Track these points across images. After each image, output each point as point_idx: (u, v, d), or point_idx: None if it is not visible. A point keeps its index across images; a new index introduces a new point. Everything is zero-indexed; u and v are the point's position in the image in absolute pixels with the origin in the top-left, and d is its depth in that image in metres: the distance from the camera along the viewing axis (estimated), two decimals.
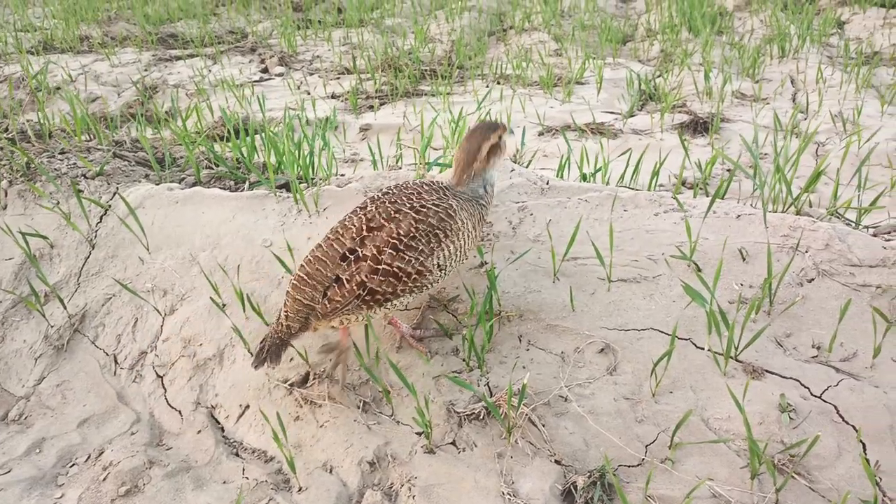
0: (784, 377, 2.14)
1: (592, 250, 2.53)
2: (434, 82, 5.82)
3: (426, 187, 2.21)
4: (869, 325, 2.23)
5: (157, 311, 2.72)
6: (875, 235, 2.60)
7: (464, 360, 2.30)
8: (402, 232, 2.07)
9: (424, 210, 2.12)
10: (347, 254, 2.08)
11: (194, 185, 3.11)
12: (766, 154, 4.18)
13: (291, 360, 2.42)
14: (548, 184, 2.77)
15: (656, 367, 2.12)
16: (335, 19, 8.26)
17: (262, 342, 2.17)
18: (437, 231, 2.11)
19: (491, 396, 2.18)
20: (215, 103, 5.56)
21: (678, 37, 6.84)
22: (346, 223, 2.16)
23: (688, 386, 2.16)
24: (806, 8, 8.20)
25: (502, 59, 6.54)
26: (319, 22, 8.08)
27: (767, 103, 5.11)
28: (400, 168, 3.05)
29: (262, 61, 6.78)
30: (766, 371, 2.16)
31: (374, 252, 2.06)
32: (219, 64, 6.74)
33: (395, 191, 2.21)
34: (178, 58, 7.00)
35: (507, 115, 4.87)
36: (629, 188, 2.94)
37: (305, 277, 2.12)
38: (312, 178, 3.08)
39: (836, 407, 2.05)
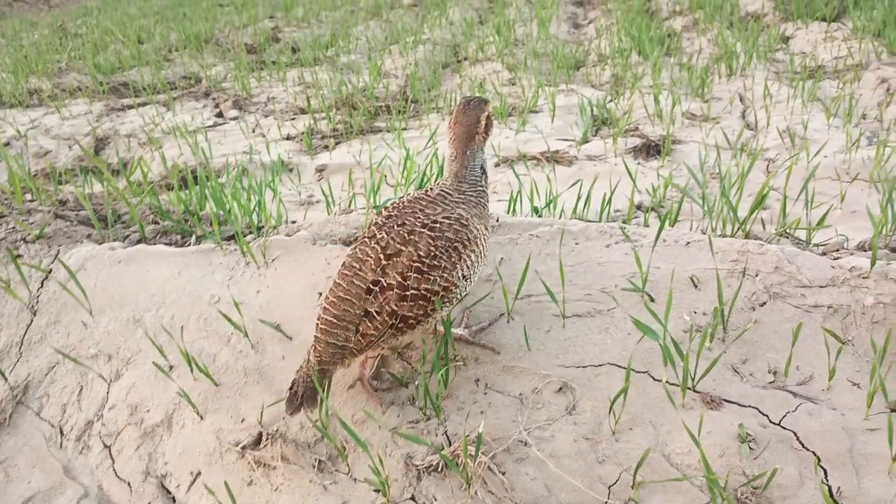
0: (742, 405, 2.12)
1: (546, 286, 2.50)
2: (389, 118, 5.82)
3: (428, 200, 2.19)
4: (824, 346, 2.22)
5: (102, 377, 2.62)
6: (824, 254, 2.62)
7: (421, 409, 2.24)
8: (422, 253, 2.04)
9: (438, 225, 2.09)
10: (371, 286, 2.05)
11: (139, 242, 3.03)
12: (717, 174, 4.22)
13: (243, 420, 2.34)
14: (498, 221, 2.75)
15: (614, 405, 2.08)
16: (290, 59, 8.26)
17: (292, 387, 2.12)
18: (456, 244, 2.09)
19: (450, 445, 2.12)
20: (169, 151, 5.49)
21: (628, 61, 6.96)
22: (361, 256, 2.12)
23: (647, 421, 2.12)
24: (751, 25, 8.42)
25: (457, 91, 6.57)
26: (274, 63, 8.07)
27: (718, 122, 5.19)
28: (351, 212, 3.00)
29: (217, 105, 6.73)
30: (724, 400, 2.14)
31: (399, 279, 2.03)
32: (172, 111, 6.67)
33: (398, 212, 2.18)
34: (130, 106, 6.91)
35: None
36: (582, 219, 2.93)
37: (334, 321, 2.08)
38: (261, 228, 3.02)
39: (795, 433, 2.03)
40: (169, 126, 6.08)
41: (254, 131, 5.86)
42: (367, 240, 2.16)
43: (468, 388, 2.30)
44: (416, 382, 2.24)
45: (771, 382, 2.20)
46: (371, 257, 2.09)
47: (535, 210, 3.04)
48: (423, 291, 2.04)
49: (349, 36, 9.44)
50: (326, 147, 5.31)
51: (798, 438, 2.01)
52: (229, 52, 8.94)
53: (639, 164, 4.57)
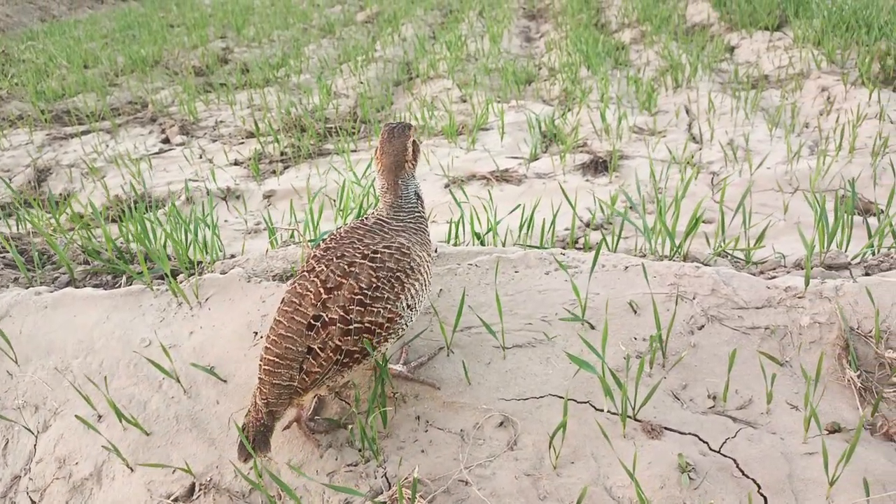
0: (682, 433, 2.10)
1: (486, 317, 2.46)
2: (338, 140, 5.75)
3: (366, 230, 2.13)
4: (762, 368, 2.22)
5: (29, 430, 2.49)
6: (762, 272, 2.63)
7: (359, 451, 2.17)
8: (363, 285, 1.98)
9: (379, 255, 2.03)
10: (313, 321, 1.98)
11: (69, 283, 2.91)
12: (662, 188, 4.25)
13: (174, 472, 2.24)
14: (437, 251, 2.70)
15: (554, 439, 2.04)
16: (240, 81, 8.14)
17: (244, 431, 2.00)
18: (399, 273, 2.03)
19: (389, 488, 2.06)
20: (113, 180, 5.34)
21: (577, 75, 7.01)
22: (300, 290, 2.04)
23: (589, 453, 2.09)
24: (697, 36, 8.58)
25: (412, 107, 6.55)
26: (223, 85, 7.95)
27: (664, 136, 5.25)
28: (290, 245, 2.93)
29: (163, 131, 6.59)
30: (665, 428, 2.12)
31: (342, 313, 1.96)
32: (117, 138, 6.51)
33: (336, 243, 2.11)
34: (74, 135, 6.73)
35: None
36: (523, 246, 2.90)
37: (277, 360, 2.00)
38: (196, 265, 2.93)
39: (735, 460, 2.01)
40: (113, 154, 5.92)
41: (200, 157, 5.74)
42: (306, 273, 2.09)
43: (409, 425, 2.24)
44: (351, 425, 2.17)
45: (711, 408, 2.19)
46: (311, 292, 2.02)
47: (477, 236, 3.00)
48: (366, 324, 1.98)
49: (301, 55, 9.37)
50: (274, 172, 5.22)
51: (738, 465, 2.00)
52: (177, 75, 8.79)
53: (587, 180, 4.58)
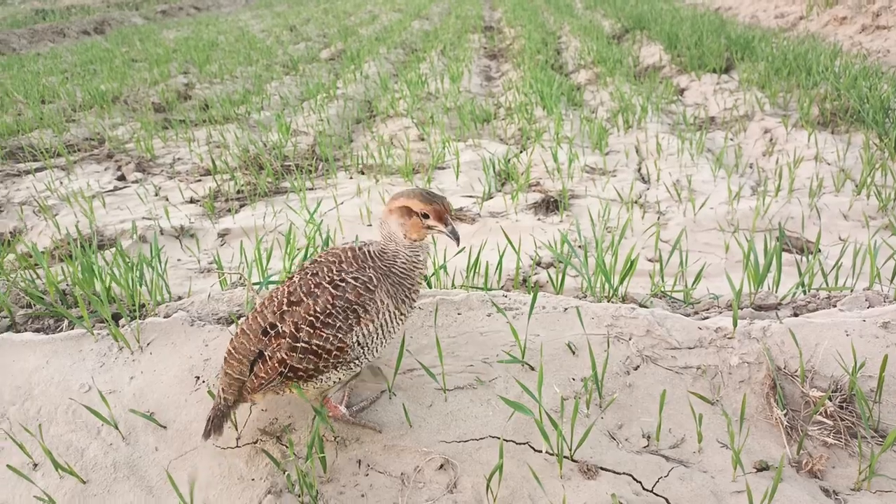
0: (617, 473, 2.14)
1: (429, 360, 2.49)
2: (295, 178, 5.78)
3: (349, 257, 2.13)
4: (695, 409, 2.29)
5: None
6: (697, 312, 2.72)
7: (298, 497, 2.17)
8: (318, 309, 2.01)
9: (343, 285, 2.05)
10: (269, 328, 2.05)
11: (9, 328, 2.86)
12: (613, 227, 4.36)
13: None
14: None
15: (490, 482, 2.07)
16: (199, 117, 8.14)
17: (210, 413, 2.14)
18: (356, 307, 2.03)
19: None
20: (66, 218, 5.27)
21: (532, 114, 7.18)
22: (272, 295, 2.12)
23: (526, 495, 2.12)
24: (650, 77, 8.87)
25: (369, 147, 6.62)
26: (182, 121, 7.94)
27: (614, 176, 5.39)
28: (237, 288, 2.93)
29: (119, 168, 6.54)
30: (601, 468, 2.16)
31: (293, 329, 2.01)
32: (72, 175, 6.43)
33: (320, 260, 2.16)
34: (28, 172, 6.63)
35: (367, 209, 4.88)
36: (466, 288, 2.96)
37: (233, 351, 2.11)
38: (139, 308, 2.91)
39: (667, 500, 2.06)
40: (66, 192, 5.85)
41: (156, 195, 5.71)
42: (287, 280, 2.17)
43: (350, 469, 2.25)
44: (287, 473, 2.17)
45: (645, 447, 2.24)
46: (276, 300, 2.09)
47: (424, 278, 3.04)
48: (314, 346, 2.02)
49: (263, 92, 9.42)
50: (230, 210, 5.22)
51: None
52: (136, 112, 8.75)
53: (539, 219, 4.68)
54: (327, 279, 2.07)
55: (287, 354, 2.02)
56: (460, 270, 3.59)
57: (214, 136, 7.33)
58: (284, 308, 2.06)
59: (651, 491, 2.09)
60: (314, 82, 9.71)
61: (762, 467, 2.16)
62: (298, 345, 2.01)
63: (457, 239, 2.07)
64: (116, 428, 2.39)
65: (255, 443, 2.30)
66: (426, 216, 2.03)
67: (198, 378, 2.50)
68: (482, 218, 4.73)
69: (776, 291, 2.88)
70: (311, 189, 5.59)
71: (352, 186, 5.52)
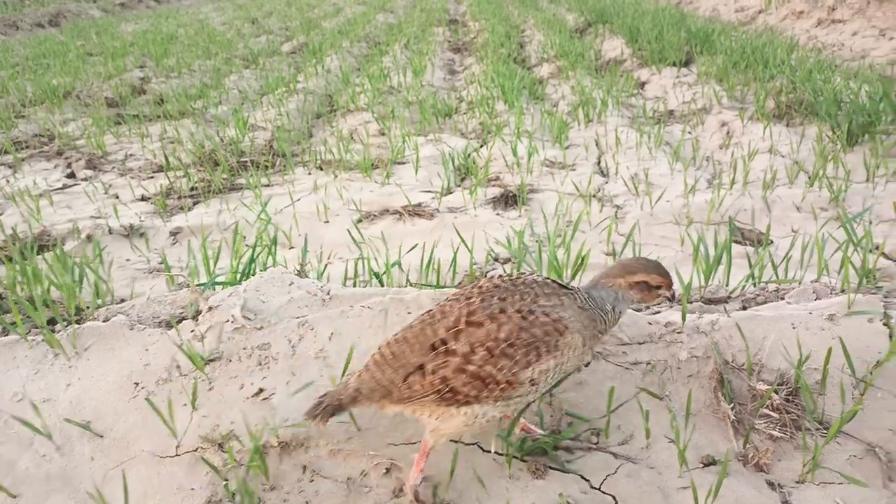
0: (566, 472, 2.12)
1: None
2: (251, 175, 5.66)
3: (546, 289, 2.00)
4: (644, 403, 2.27)
5: None
6: (648, 307, 2.71)
7: None
8: (501, 336, 1.87)
9: (533, 317, 1.91)
10: (439, 343, 1.90)
11: None
12: (570, 222, 4.35)
13: None
14: (329, 294, 2.68)
15: (438, 486, 2.03)
16: (154, 112, 7.95)
17: (321, 397, 1.99)
18: (540, 344, 1.90)
19: None
20: (11, 218, 5.09)
21: (493, 109, 7.15)
22: (446, 310, 1.97)
23: (475, 497, 2.09)
24: (611, 71, 8.91)
25: (328, 142, 6.52)
26: (135, 116, 7.74)
27: (574, 170, 5.39)
28: (181, 290, 2.84)
29: (69, 165, 6.34)
30: (549, 467, 2.14)
31: (467, 349, 1.87)
32: (19, 172, 6.22)
33: (508, 284, 2.00)
34: None
35: (324, 206, 4.80)
36: (422, 285, 2.91)
37: (390, 357, 1.95)
38: (78, 312, 2.80)
39: (614, 497, 2.04)
40: (12, 190, 5.65)
41: (106, 193, 5.54)
42: (461, 297, 2.02)
43: (294, 475, 2.19)
44: (226, 482, 2.10)
45: (595, 444, 2.22)
46: (453, 315, 1.94)
47: (376, 275, 2.99)
48: (484, 373, 1.87)
49: (221, 86, 9.23)
50: (182, 208, 5.09)
51: (616, 502, 2.03)
52: (89, 107, 8.50)
53: (498, 214, 4.65)
54: (516, 307, 1.93)
55: (453, 374, 1.87)
56: (415, 268, 3.54)
57: (169, 131, 7.15)
58: (461, 327, 1.91)
59: (598, 489, 2.07)
60: (274, 76, 9.55)
61: (709, 462, 2.15)
62: (469, 367, 1.87)
63: (675, 300, 2.24)
64: (50, 438, 2.29)
65: (196, 451, 2.23)
66: (660, 287, 2.11)
67: (137, 384, 2.41)
68: (441, 213, 4.69)
69: (727, 284, 2.89)
70: (268, 185, 5.49)
71: (309, 182, 5.43)
